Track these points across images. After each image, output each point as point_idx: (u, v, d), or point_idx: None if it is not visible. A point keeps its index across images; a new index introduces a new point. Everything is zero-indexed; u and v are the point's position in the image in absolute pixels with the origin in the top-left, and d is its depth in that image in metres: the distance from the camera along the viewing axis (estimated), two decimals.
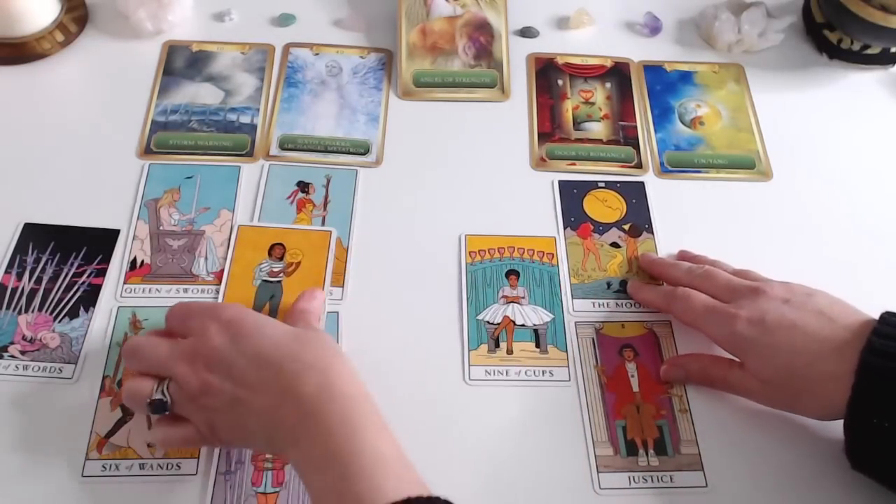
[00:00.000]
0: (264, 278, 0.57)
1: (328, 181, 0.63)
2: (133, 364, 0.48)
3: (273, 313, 0.56)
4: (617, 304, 0.59)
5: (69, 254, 0.58)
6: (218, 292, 0.57)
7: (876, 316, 0.49)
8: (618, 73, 0.72)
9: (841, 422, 0.47)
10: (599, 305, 0.59)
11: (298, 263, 0.58)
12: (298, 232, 0.60)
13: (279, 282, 0.57)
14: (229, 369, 0.45)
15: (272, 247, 0.59)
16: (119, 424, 0.51)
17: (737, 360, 0.52)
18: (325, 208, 0.62)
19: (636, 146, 0.67)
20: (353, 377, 0.46)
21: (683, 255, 0.60)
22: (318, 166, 0.64)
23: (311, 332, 0.48)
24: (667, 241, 0.62)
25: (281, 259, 0.58)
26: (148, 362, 0.47)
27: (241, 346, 0.46)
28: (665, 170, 0.66)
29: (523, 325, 0.57)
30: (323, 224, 0.61)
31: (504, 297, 0.58)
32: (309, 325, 0.51)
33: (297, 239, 0.59)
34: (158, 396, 0.46)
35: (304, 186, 0.63)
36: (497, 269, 0.60)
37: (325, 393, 0.44)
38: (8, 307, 0.56)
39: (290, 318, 0.51)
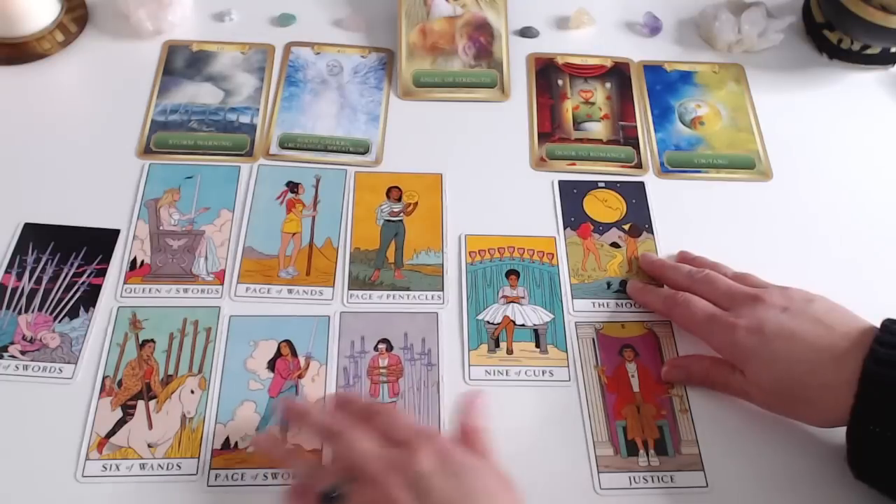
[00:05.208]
0: (386, 218, 0.61)
1: (318, 181, 0.63)
2: (335, 445, 0.46)
3: (399, 250, 0.59)
4: (617, 304, 0.59)
5: (69, 254, 0.58)
6: (219, 292, 0.57)
7: (874, 321, 0.48)
8: (618, 73, 0.72)
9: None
10: (599, 305, 0.58)
11: (416, 204, 0.62)
12: (411, 175, 0.64)
13: (401, 221, 0.61)
14: (427, 495, 0.42)
15: (389, 189, 0.62)
16: (119, 424, 0.51)
17: None
18: (314, 208, 0.62)
19: (636, 146, 0.67)
20: None
21: (683, 257, 0.60)
22: (308, 166, 0.64)
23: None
24: (667, 241, 0.62)
25: (399, 200, 0.62)
26: (348, 452, 0.44)
27: (450, 481, 0.42)
28: (665, 170, 0.66)
29: (523, 325, 0.57)
30: (312, 225, 0.61)
31: (504, 297, 0.58)
32: (488, 454, 0.46)
33: (411, 182, 0.63)
34: (336, 493, 0.42)
35: (293, 187, 0.63)
36: (497, 269, 0.60)
37: None
38: (8, 307, 0.56)
39: (464, 436, 0.47)
